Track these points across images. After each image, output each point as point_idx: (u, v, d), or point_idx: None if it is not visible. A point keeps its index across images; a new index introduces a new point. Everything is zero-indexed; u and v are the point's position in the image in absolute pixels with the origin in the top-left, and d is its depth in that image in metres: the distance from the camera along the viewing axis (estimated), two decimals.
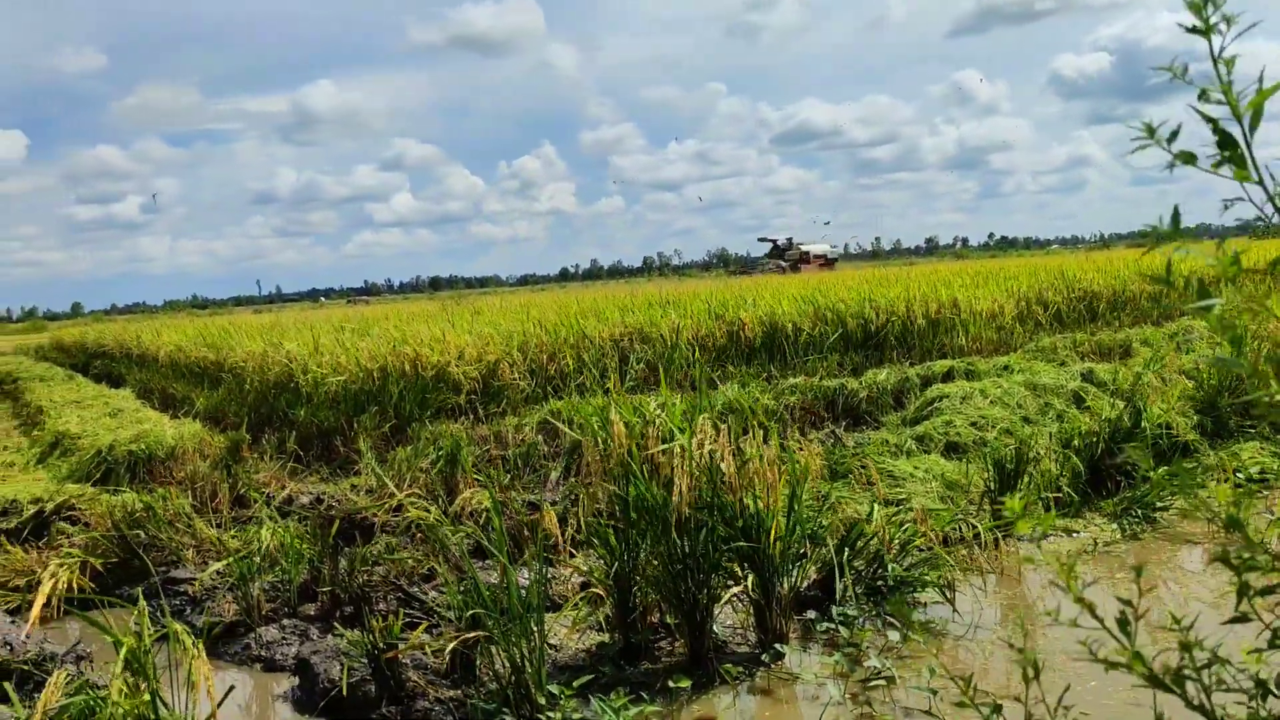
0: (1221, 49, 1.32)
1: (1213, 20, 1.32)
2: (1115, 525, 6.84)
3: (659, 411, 5.23)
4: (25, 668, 4.88)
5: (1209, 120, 1.34)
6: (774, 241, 79.42)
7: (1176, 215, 1.40)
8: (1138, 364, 11.15)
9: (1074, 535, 6.73)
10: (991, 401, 9.53)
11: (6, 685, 4.21)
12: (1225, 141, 1.34)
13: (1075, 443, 7.72)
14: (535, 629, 4.49)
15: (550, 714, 4.28)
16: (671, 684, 4.66)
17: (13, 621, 5.57)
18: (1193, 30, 1.32)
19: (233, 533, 7.56)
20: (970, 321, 14.77)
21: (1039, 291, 16.72)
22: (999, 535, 6.36)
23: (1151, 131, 1.38)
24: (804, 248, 74.39)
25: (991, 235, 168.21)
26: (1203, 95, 1.32)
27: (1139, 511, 6.91)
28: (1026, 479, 6.87)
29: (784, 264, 71.22)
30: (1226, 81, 1.32)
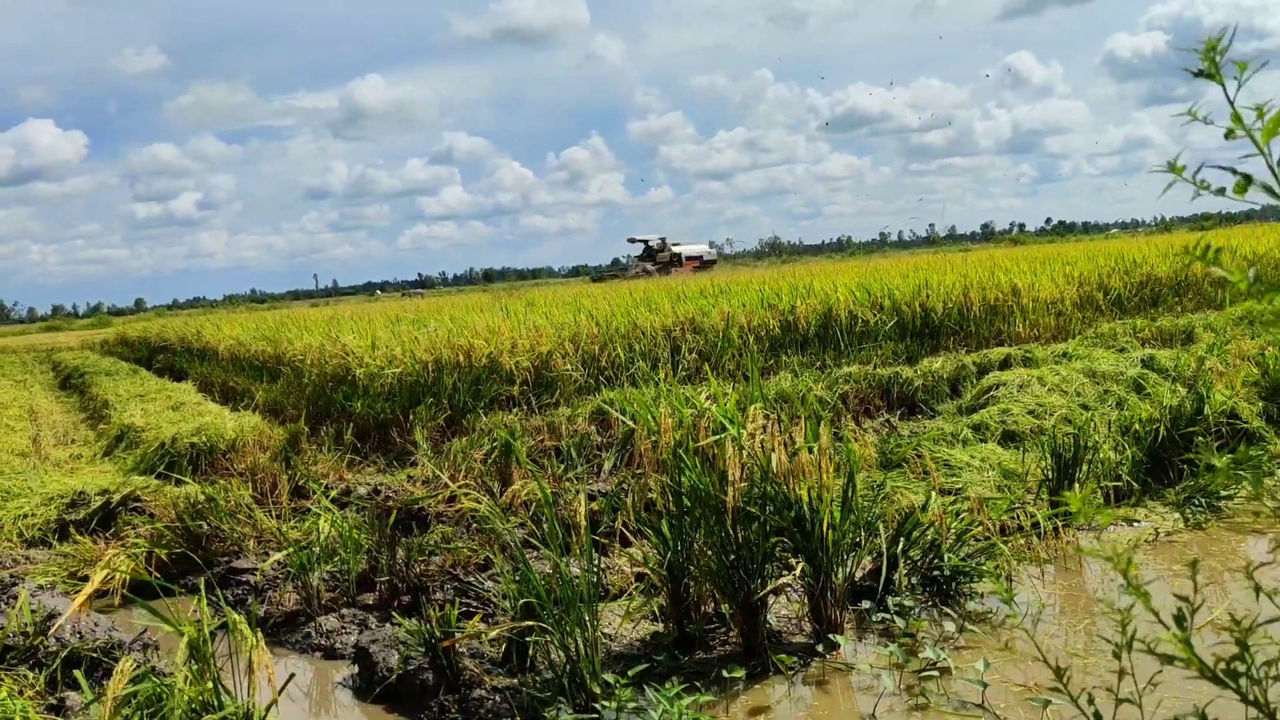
0: (1236, 92, 1.35)
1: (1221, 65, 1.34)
2: (1177, 515, 6.71)
3: (709, 402, 5.23)
4: (94, 655, 5.00)
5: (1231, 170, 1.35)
6: (645, 242, 72.55)
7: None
8: (1201, 349, 10.93)
9: (1135, 524, 6.62)
10: (1050, 389, 9.40)
11: (76, 672, 4.33)
12: (1247, 179, 1.37)
13: (1135, 430, 7.59)
14: (589, 618, 4.52)
15: (605, 703, 4.30)
16: (726, 674, 4.66)
17: (83, 611, 5.71)
18: (1200, 74, 1.35)
19: (292, 523, 7.68)
20: (1029, 308, 14.57)
21: (1099, 277, 16.44)
22: (1058, 524, 6.27)
23: (1175, 169, 1.39)
24: (676, 249, 69.20)
25: (1049, 220, 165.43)
26: (1229, 135, 1.35)
27: (1202, 501, 6.77)
28: (1085, 467, 6.76)
29: (651, 267, 65.82)
30: (1250, 127, 1.34)
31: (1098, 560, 6.00)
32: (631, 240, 74.21)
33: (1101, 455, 7.22)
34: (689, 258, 66.86)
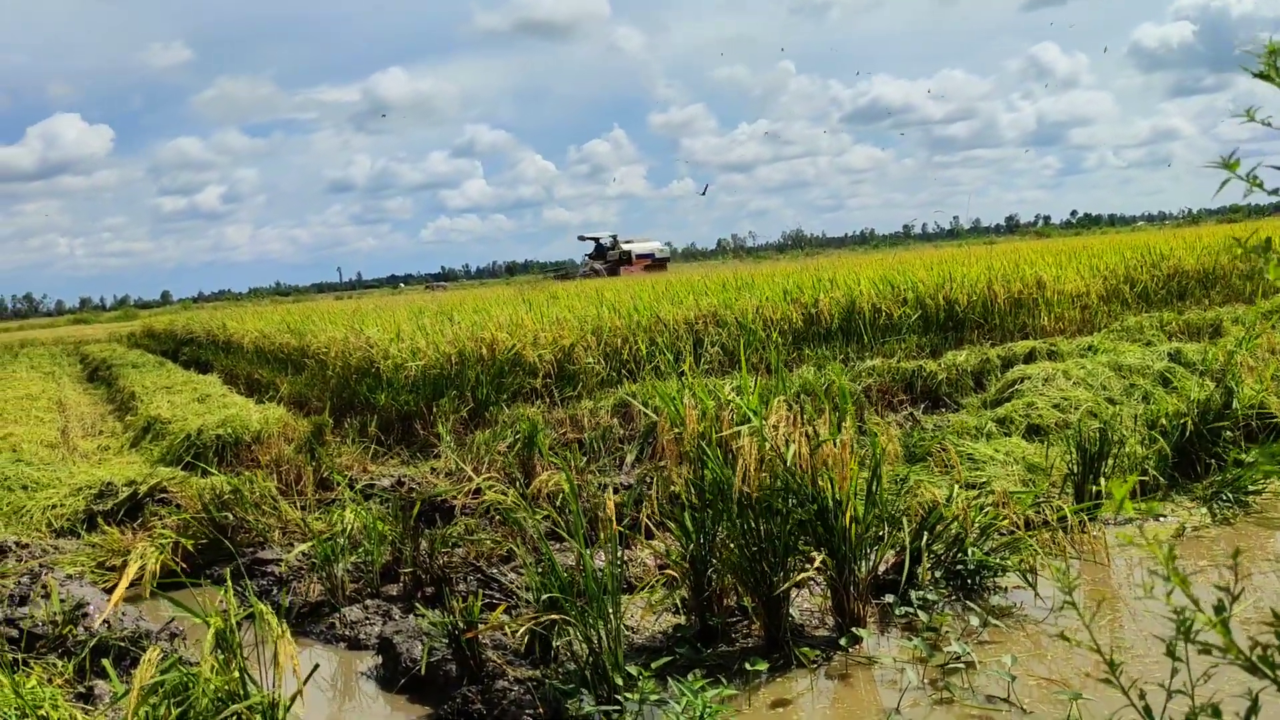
0: None
1: None
2: (1205, 509, 6.65)
3: (734, 395, 5.22)
4: (122, 644, 5.05)
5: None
6: (596, 240, 68.68)
7: None
8: (1229, 343, 10.81)
9: (1161, 519, 6.57)
10: (1075, 383, 9.33)
11: (105, 661, 4.37)
12: None
13: (1162, 424, 7.52)
14: (612, 611, 4.53)
15: (628, 695, 4.31)
16: (748, 666, 4.66)
17: (109, 600, 5.77)
18: (1260, 76, 1.32)
19: (317, 515, 7.73)
20: (1054, 301, 14.47)
21: (1125, 269, 16.30)
22: (1084, 519, 6.23)
23: (1229, 166, 1.37)
24: (627, 246, 65.26)
25: (1074, 212, 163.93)
26: None
27: (1230, 496, 6.71)
28: (1111, 462, 6.71)
29: (600, 265, 62.42)
30: None
31: (1124, 555, 5.96)
32: (582, 238, 70.66)
33: (1128, 449, 7.17)
34: (639, 256, 63.43)
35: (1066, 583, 1.89)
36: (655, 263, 61.63)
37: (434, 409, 10.55)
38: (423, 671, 4.89)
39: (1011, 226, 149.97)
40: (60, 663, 4.92)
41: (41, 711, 3.71)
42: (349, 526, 6.57)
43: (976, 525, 5.64)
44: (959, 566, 5.52)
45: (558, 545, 6.49)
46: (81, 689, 4.69)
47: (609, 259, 63.57)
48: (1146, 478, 6.93)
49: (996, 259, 17.64)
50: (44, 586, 5.60)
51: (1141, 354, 10.65)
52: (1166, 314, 14.23)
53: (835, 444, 4.88)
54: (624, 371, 11.81)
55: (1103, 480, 6.61)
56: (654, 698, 4.28)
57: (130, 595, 6.37)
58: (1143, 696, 1.71)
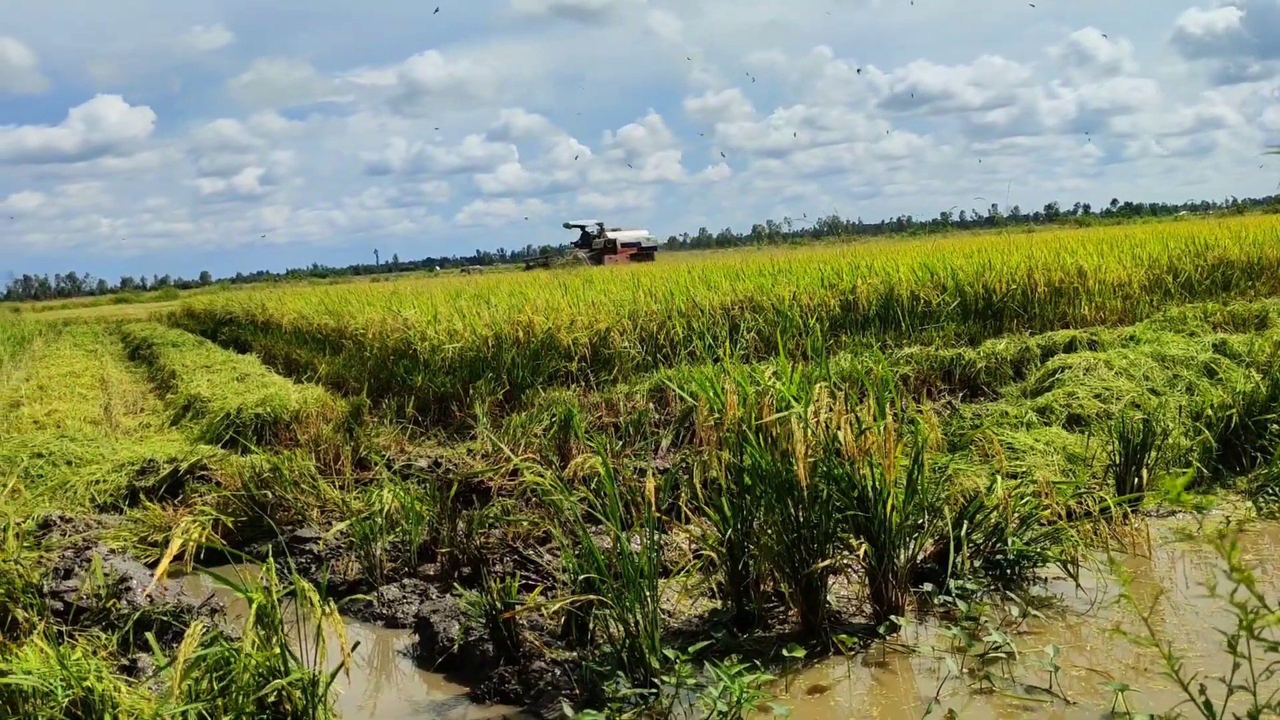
0: None
1: None
2: (1250, 503, 6.55)
3: (774, 380, 5.19)
4: (165, 618, 5.12)
5: None
6: (582, 228, 66.70)
7: None
8: (1276, 334, 10.65)
9: (1205, 513, 6.47)
10: (1117, 373, 9.21)
11: (148, 635, 4.43)
12: None
13: (1207, 416, 7.41)
14: (648, 594, 4.53)
15: (665, 678, 4.31)
16: (785, 652, 4.64)
17: (152, 575, 5.85)
18: None
19: (355, 494, 7.79)
20: (1095, 290, 14.28)
21: (1168, 259, 16.06)
22: (1126, 510, 6.15)
23: None
24: (612, 235, 63.35)
25: (1115, 201, 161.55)
26: None
27: (1276, 489, 6.60)
28: (1154, 453, 6.62)
29: (583, 254, 60.57)
30: None
31: (1167, 548, 5.89)
32: (568, 226, 69.03)
33: (1171, 441, 7.07)
34: (625, 244, 61.97)
35: (1121, 576, 1.85)
36: (641, 252, 60.42)
37: (470, 391, 10.59)
38: (459, 651, 4.92)
39: (1051, 215, 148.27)
40: (104, 635, 4.99)
41: (86, 683, 3.76)
42: (387, 506, 6.61)
43: (1016, 515, 5.59)
44: (998, 556, 5.47)
45: (594, 528, 6.50)
46: (125, 661, 4.76)
47: (594, 248, 62.23)
48: (1191, 470, 6.83)
49: (1036, 247, 17.44)
50: (88, 561, 5.69)
51: (1185, 344, 10.49)
52: (1210, 304, 14.00)
53: (879, 431, 4.84)
54: (659, 356, 11.80)
55: (1145, 472, 6.52)
56: (690, 681, 4.28)
57: (171, 570, 6.45)
58: (1203, 691, 1.68)
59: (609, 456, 7.82)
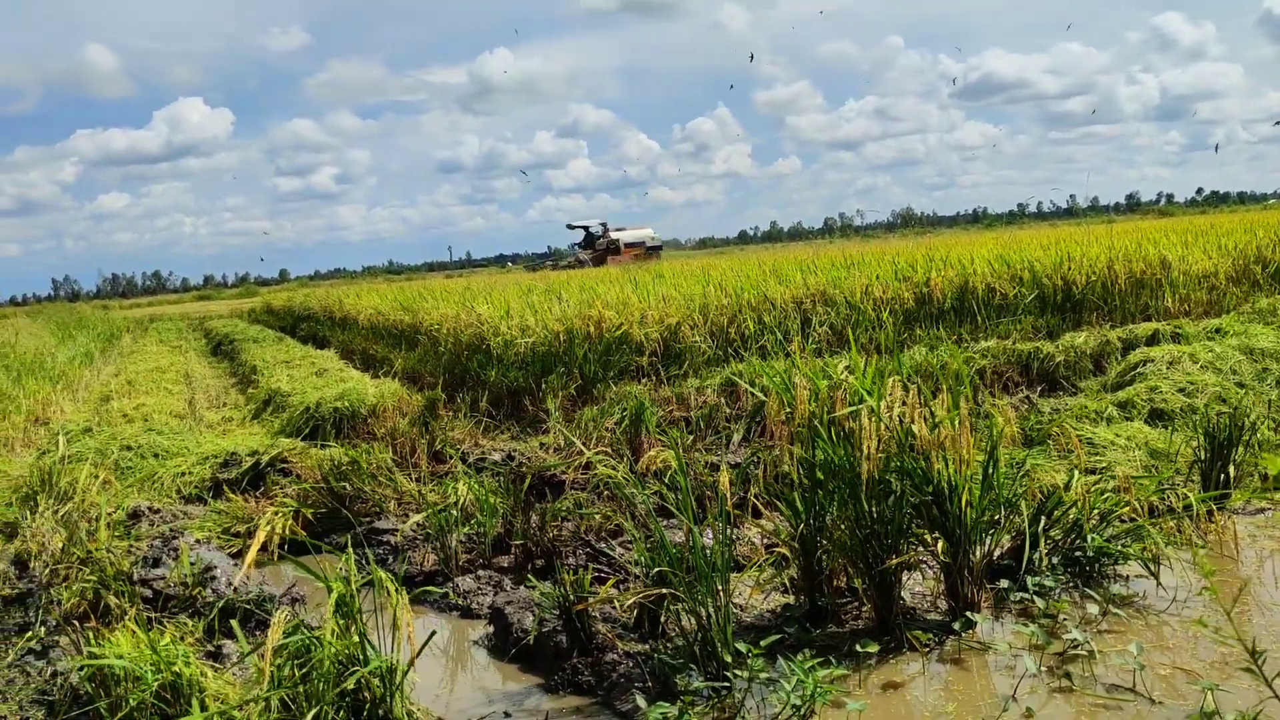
0: None
1: None
2: None
3: (846, 374, 5.16)
4: (248, 606, 5.26)
5: None
6: (586, 228, 64.81)
7: None
8: None
9: None
10: (1202, 366, 8.97)
11: (233, 622, 4.55)
12: None
13: None
14: (721, 588, 4.53)
15: (737, 672, 4.31)
16: (859, 648, 4.61)
17: (235, 564, 6.01)
18: None
19: (430, 487, 7.91)
20: (1178, 282, 13.90)
21: (1256, 249, 15.55)
22: (1212, 507, 5.99)
23: None
24: (616, 235, 61.37)
25: (1199, 190, 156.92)
26: None
27: None
28: (1242, 449, 6.44)
29: (585, 255, 59.13)
30: None
31: (1255, 546, 5.72)
32: (571, 226, 66.74)
33: (1260, 436, 6.87)
34: (629, 245, 60.04)
35: (1204, 570, 1.81)
36: (647, 251, 58.57)
37: (542, 385, 10.68)
38: (533, 642, 4.97)
39: (1132, 205, 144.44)
40: (190, 622, 5.15)
41: (175, 668, 3.89)
42: (461, 499, 6.70)
43: (1096, 511, 5.48)
44: (1077, 553, 5.37)
45: (665, 521, 6.52)
46: (210, 648, 4.90)
47: (597, 248, 60.85)
48: None
49: (1117, 238, 17.04)
50: (175, 550, 5.87)
51: (1275, 337, 10.18)
52: None
53: (954, 425, 4.78)
54: (730, 350, 11.78)
55: (1232, 468, 6.35)
56: (763, 676, 4.27)
57: (256, 560, 6.62)
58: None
59: (680, 451, 7.83)
